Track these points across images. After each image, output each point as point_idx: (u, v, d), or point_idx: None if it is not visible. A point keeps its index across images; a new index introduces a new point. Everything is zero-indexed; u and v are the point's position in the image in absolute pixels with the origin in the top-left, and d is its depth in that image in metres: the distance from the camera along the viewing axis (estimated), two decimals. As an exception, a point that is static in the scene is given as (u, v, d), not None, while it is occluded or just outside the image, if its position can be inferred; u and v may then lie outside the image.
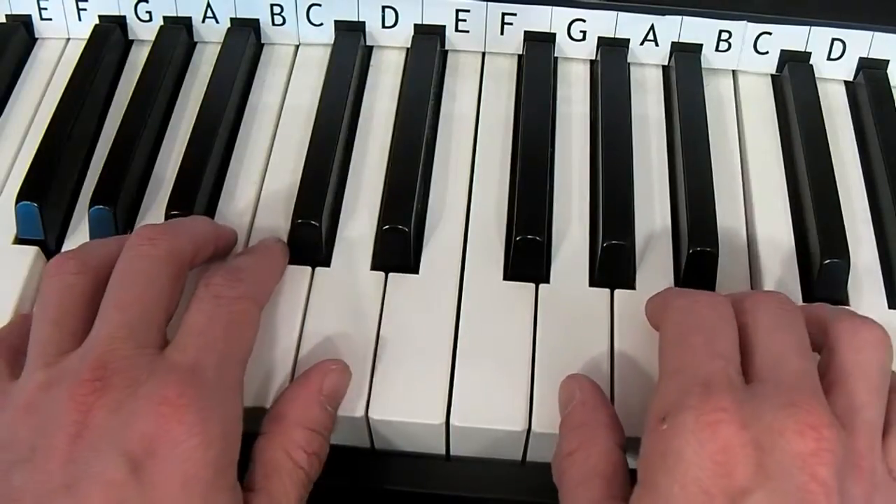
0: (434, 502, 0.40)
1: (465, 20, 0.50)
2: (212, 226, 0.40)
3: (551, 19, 0.49)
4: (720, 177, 0.45)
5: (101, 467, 0.29)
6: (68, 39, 0.51)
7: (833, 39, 0.49)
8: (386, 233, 0.41)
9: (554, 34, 0.50)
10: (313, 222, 0.41)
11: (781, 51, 0.49)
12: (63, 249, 0.43)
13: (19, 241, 0.43)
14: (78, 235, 0.43)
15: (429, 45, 0.49)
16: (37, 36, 0.52)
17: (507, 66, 0.50)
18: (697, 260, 0.41)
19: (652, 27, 0.49)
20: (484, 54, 0.51)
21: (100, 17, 0.51)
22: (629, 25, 0.49)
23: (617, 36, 0.49)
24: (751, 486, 0.28)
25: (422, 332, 0.39)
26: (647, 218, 0.44)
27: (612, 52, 0.49)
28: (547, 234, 0.42)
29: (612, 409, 0.36)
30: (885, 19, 0.48)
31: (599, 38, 0.49)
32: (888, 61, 0.49)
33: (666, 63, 0.50)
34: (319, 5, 0.50)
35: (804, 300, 0.41)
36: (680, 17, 0.49)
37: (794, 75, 0.49)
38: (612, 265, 0.41)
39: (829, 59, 0.49)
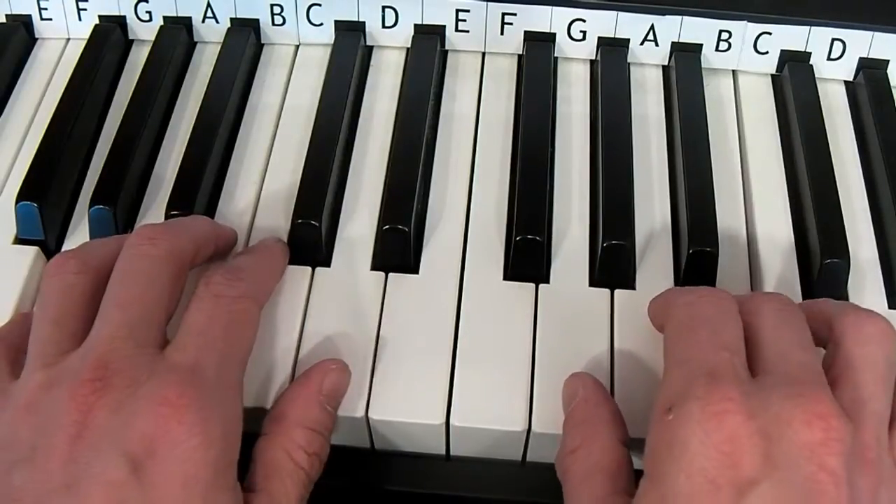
0: (434, 502, 0.40)
1: (465, 20, 0.50)
2: (212, 225, 0.40)
3: (551, 19, 0.49)
4: (720, 176, 0.45)
5: (102, 467, 0.29)
6: (68, 39, 0.51)
7: (833, 39, 0.49)
8: (386, 233, 0.41)
9: (554, 34, 0.50)
10: (313, 222, 0.41)
11: (781, 51, 0.49)
12: (63, 249, 0.43)
13: (19, 241, 0.43)
14: (78, 235, 0.43)
15: (429, 45, 0.49)
16: (37, 36, 0.52)
17: (507, 66, 0.50)
18: (697, 260, 0.41)
19: (652, 27, 0.49)
20: (484, 54, 0.51)
21: (100, 17, 0.51)
22: (629, 25, 0.49)
23: (617, 36, 0.49)
24: (758, 477, 0.28)
25: (422, 332, 0.39)
26: (647, 218, 0.44)
27: (612, 52, 0.49)
28: (547, 234, 0.42)
29: (615, 406, 0.36)
30: (885, 19, 0.48)
31: (599, 38, 0.49)
32: (888, 61, 0.49)
33: (666, 63, 0.50)
34: (319, 5, 0.50)
35: (804, 300, 0.41)
36: (680, 17, 0.49)
37: (794, 75, 0.49)
38: (612, 265, 0.41)
39: (829, 59, 0.49)
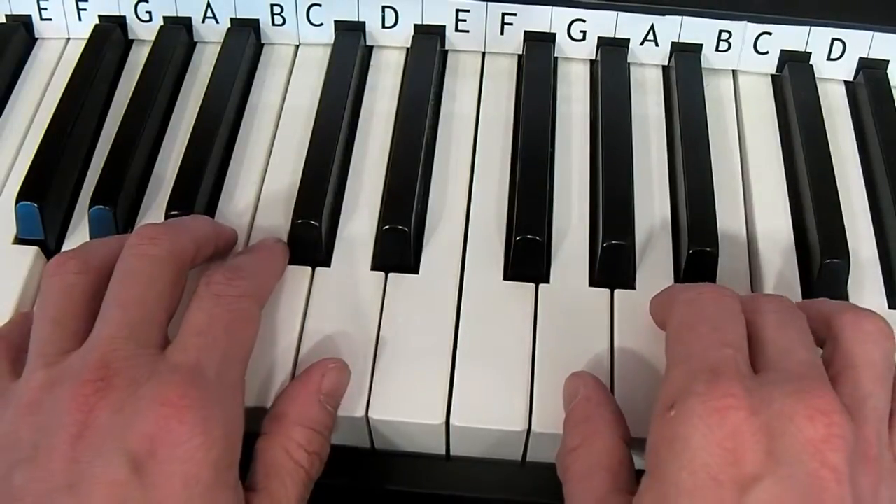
0: (434, 502, 0.40)
1: (465, 20, 0.50)
2: (212, 225, 0.40)
3: (551, 19, 0.49)
4: (720, 176, 0.45)
5: (103, 467, 0.29)
6: (68, 39, 0.51)
7: (833, 39, 0.49)
8: (386, 233, 0.41)
9: (554, 34, 0.50)
10: (313, 222, 0.41)
11: (781, 51, 0.49)
12: (63, 249, 0.43)
13: (19, 241, 0.43)
14: (78, 235, 0.43)
15: (429, 45, 0.49)
16: (37, 36, 0.52)
17: (507, 66, 0.50)
18: (697, 260, 0.41)
19: (652, 27, 0.49)
20: (484, 54, 0.51)
21: (100, 17, 0.51)
22: (629, 25, 0.49)
23: (617, 36, 0.49)
24: (761, 473, 0.28)
25: (422, 332, 0.39)
26: (647, 218, 0.44)
27: (612, 52, 0.49)
28: (547, 234, 0.42)
29: (616, 405, 0.36)
30: (885, 19, 0.48)
31: (599, 38, 0.49)
32: (888, 61, 0.49)
33: (666, 63, 0.50)
34: (319, 5, 0.50)
35: (804, 299, 0.41)
36: (680, 17, 0.49)
37: (794, 75, 0.49)
38: (612, 265, 0.41)
39: (829, 59, 0.49)
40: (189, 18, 0.51)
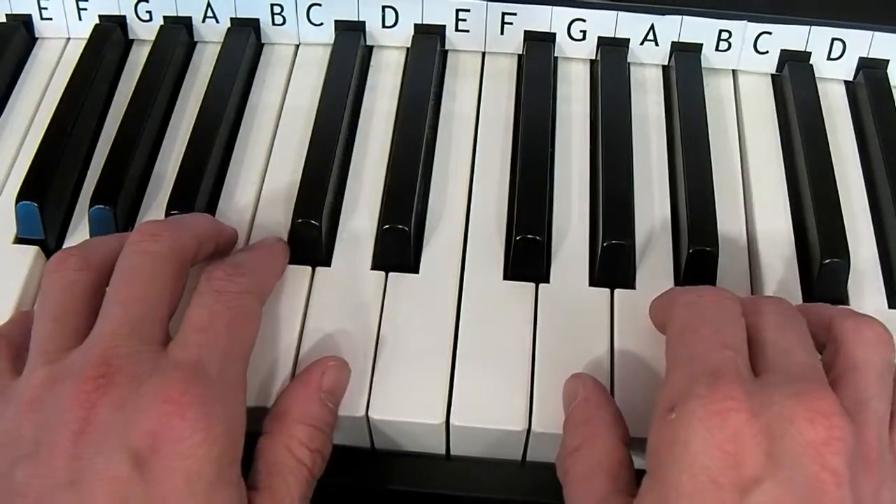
0: (434, 502, 0.40)
1: (465, 20, 0.50)
2: (213, 222, 0.40)
3: (551, 19, 0.49)
4: (720, 176, 0.45)
5: (105, 464, 0.30)
6: (68, 39, 0.51)
7: (833, 39, 0.49)
8: (386, 232, 0.41)
9: (554, 34, 0.50)
10: (313, 222, 0.41)
11: (781, 50, 0.49)
12: (63, 249, 0.43)
13: (19, 240, 0.43)
14: (78, 235, 0.43)
15: (429, 45, 0.49)
16: (37, 36, 0.52)
17: (507, 66, 0.50)
18: (697, 259, 0.41)
19: (652, 27, 0.49)
20: (484, 54, 0.51)
21: (100, 16, 0.51)
22: (629, 25, 0.49)
23: (617, 36, 0.49)
24: (761, 476, 0.28)
25: (422, 331, 0.39)
26: (647, 218, 0.44)
27: (612, 51, 0.49)
28: (547, 234, 0.42)
29: (615, 406, 0.36)
30: (885, 19, 0.48)
31: (599, 37, 0.49)
32: (888, 61, 0.49)
33: (666, 63, 0.50)
34: (319, 5, 0.50)
35: (804, 300, 0.41)
36: (680, 17, 0.49)
37: (794, 75, 0.49)
38: (612, 265, 0.41)
39: (829, 58, 0.49)
40: (189, 18, 0.51)
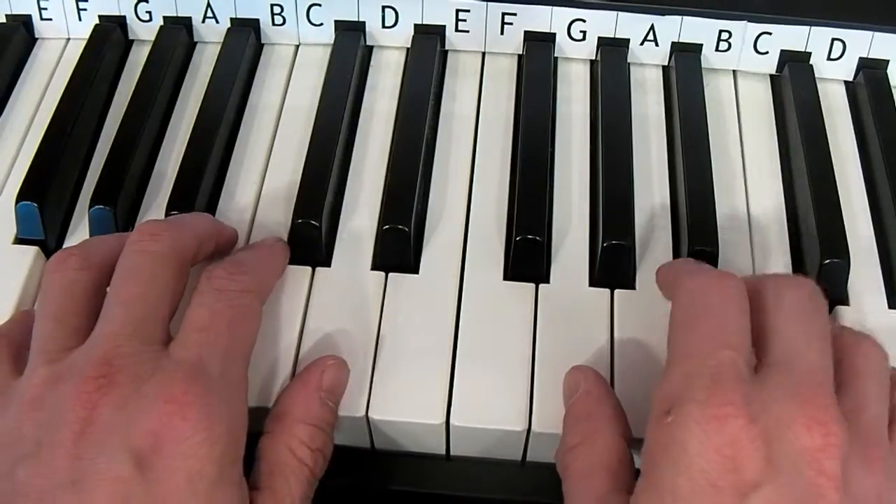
0: (434, 502, 0.40)
1: (465, 20, 0.50)
2: (213, 222, 0.40)
3: (551, 19, 0.49)
4: (720, 176, 0.45)
5: (107, 464, 0.30)
6: (68, 39, 0.51)
7: (833, 39, 0.49)
8: (386, 233, 0.41)
9: (554, 34, 0.50)
10: (313, 222, 0.41)
11: (781, 51, 0.49)
12: (63, 249, 0.43)
13: (19, 240, 0.43)
14: (78, 235, 0.43)
15: (429, 45, 0.49)
16: (37, 36, 0.52)
17: (507, 66, 0.50)
18: (697, 259, 0.41)
19: (652, 27, 0.49)
20: (484, 54, 0.51)
21: (100, 17, 0.51)
22: (629, 25, 0.49)
23: (617, 36, 0.49)
24: (759, 480, 0.28)
25: (422, 331, 0.39)
26: (647, 218, 0.44)
27: (612, 52, 0.49)
28: (547, 234, 0.42)
29: (617, 401, 0.36)
30: (885, 19, 0.48)
31: (599, 38, 0.49)
32: (888, 61, 0.49)
33: (666, 63, 0.50)
34: (319, 5, 0.50)
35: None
36: (680, 17, 0.49)
37: (794, 75, 0.49)
38: (612, 265, 0.41)
39: (829, 59, 0.49)
40: (189, 18, 0.51)
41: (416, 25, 0.50)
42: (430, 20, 0.50)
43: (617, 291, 0.41)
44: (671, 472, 0.29)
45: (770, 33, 0.49)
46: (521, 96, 0.48)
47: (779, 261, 0.42)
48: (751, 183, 0.45)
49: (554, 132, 0.47)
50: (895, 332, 0.40)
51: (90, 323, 0.34)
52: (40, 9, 0.51)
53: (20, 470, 0.30)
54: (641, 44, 0.50)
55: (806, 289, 0.34)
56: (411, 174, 0.43)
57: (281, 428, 0.35)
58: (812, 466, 0.29)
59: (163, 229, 0.36)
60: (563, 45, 0.50)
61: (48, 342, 0.34)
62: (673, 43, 0.49)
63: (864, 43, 0.48)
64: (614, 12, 0.49)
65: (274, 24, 0.50)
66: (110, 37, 0.50)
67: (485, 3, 0.49)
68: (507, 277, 0.41)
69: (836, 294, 0.41)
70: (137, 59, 0.50)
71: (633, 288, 0.41)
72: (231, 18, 0.51)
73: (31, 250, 0.42)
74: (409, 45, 0.50)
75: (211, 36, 0.51)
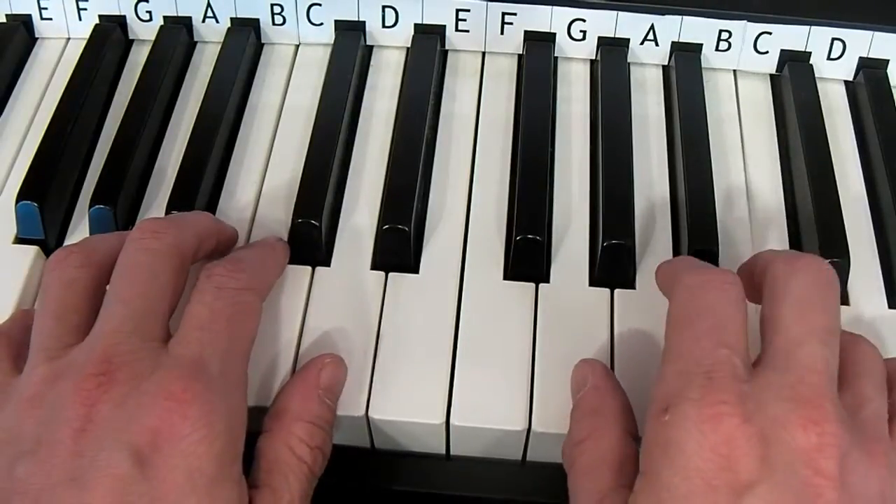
0: (434, 502, 0.40)
1: (465, 20, 0.50)
2: (213, 221, 0.40)
3: (551, 19, 0.49)
4: (720, 176, 0.45)
5: (107, 461, 0.30)
6: (68, 39, 0.51)
7: (833, 39, 0.49)
8: (386, 232, 0.41)
9: (554, 34, 0.50)
10: (313, 222, 0.41)
11: (781, 50, 0.49)
12: (63, 248, 0.43)
13: (19, 240, 0.43)
14: (78, 235, 0.43)
15: (429, 45, 0.49)
16: (37, 36, 0.52)
17: (507, 66, 0.50)
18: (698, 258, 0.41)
19: (652, 27, 0.49)
20: (484, 54, 0.51)
21: (100, 16, 0.51)
22: (629, 25, 0.49)
23: (617, 36, 0.49)
24: (755, 480, 0.28)
25: (422, 332, 0.39)
26: (647, 217, 0.44)
27: (612, 51, 0.49)
28: (547, 234, 0.42)
29: (624, 395, 0.36)
30: (885, 19, 0.48)
31: (599, 37, 0.50)
32: (888, 61, 0.49)
33: (666, 63, 0.50)
34: (319, 5, 0.50)
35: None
36: (680, 17, 0.49)
37: (794, 75, 0.49)
38: (612, 265, 0.41)
39: (829, 58, 0.49)
40: (189, 18, 0.51)
41: (416, 25, 0.50)
42: (430, 20, 0.50)
43: (617, 291, 0.41)
44: (668, 471, 0.29)
45: (770, 33, 0.49)
46: (521, 96, 0.48)
47: (779, 261, 0.42)
48: (751, 182, 0.45)
49: (554, 132, 0.47)
50: (895, 332, 0.40)
51: (90, 320, 0.34)
52: (40, 8, 0.51)
53: (19, 467, 0.30)
54: (641, 43, 0.50)
55: (817, 274, 0.33)
56: (411, 174, 0.43)
57: (279, 426, 0.35)
58: (808, 466, 0.29)
59: (163, 227, 0.36)
60: (563, 45, 0.50)
61: (48, 339, 0.34)
62: (673, 43, 0.49)
63: (864, 43, 0.48)
64: (614, 12, 0.49)
65: (274, 23, 0.50)
66: (110, 37, 0.50)
67: (485, 2, 0.49)
68: (507, 277, 0.41)
69: (836, 294, 0.41)
70: (137, 59, 0.50)
71: (633, 288, 0.41)
72: (231, 18, 0.51)
73: (32, 250, 0.42)
74: (409, 45, 0.50)
75: (211, 36, 0.51)
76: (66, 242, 0.43)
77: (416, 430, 0.38)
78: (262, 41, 0.51)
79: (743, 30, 0.49)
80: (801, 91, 0.48)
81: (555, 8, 0.49)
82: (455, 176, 0.45)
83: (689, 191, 0.43)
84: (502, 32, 0.50)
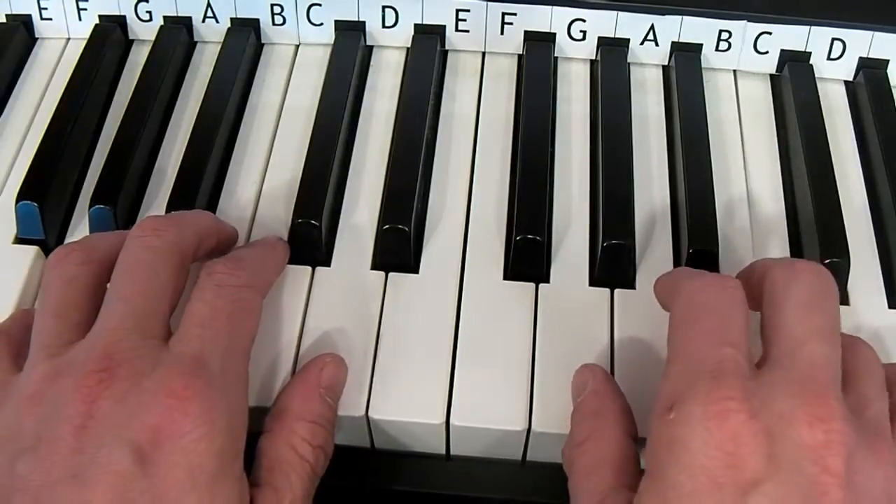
0: (434, 502, 0.40)
1: (465, 20, 0.50)
2: (214, 219, 0.40)
3: (551, 19, 0.49)
4: (720, 176, 0.45)
5: (107, 458, 0.30)
6: (68, 39, 0.51)
7: (833, 39, 0.49)
8: (386, 232, 0.41)
9: (554, 34, 0.50)
10: (313, 222, 0.41)
11: (781, 51, 0.49)
12: (63, 247, 0.43)
13: (19, 240, 0.43)
14: (78, 235, 0.43)
15: (429, 45, 0.49)
16: (37, 36, 0.52)
17: (507, 66, 0.50)
18: (698, 259, 0.41)
19: (652, 27, 0.49)
20: (484, 54, 0.51)
21: (100, 16, 0.51)
22: (629, 25, 0.49)
23: (617, 36, 0.49)
24: (761, 477, 0.28)
25: (422, 332, 0.39)
26: (647, 217, 0.44)
27: (612, 51, 0.49)
28: (547, 234, 0.42)
29: (624, 399, 0.36)
30: (885, 19, 0.48)
31: (599, 37, 0.50)
32: (888, 61, 0.49)
33: (666, 63, 0.50)
34: (319, 5, 0.50)
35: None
36: (680, 17, 0.49)
37: (794, 75, 0.49)
38: (612, 265, 0.41)
39: (829, 58, 0.49)
40: (189, 18, 0.51)
41: (416, 25, 0.50)
42: (430, 20, 0.50)
43: (617, 291, 0.41)
44: (674, 469, 0.29)
45: (770, 33, 0.49)
46: (521, 96, 0.48)
47: (779, 261, 0.42)
48: (751, 183, 0.45)
49: (554, 132, 0.47)
50: (895, 332, 0.40)
51: (91, 318, 0.34)
52: (40, 9, 0.51)
53: (20, 464, 0.30)
54: (641, 44, 0.50)
55: (816, 279, 0.34)
56: (411, 174, 0.43)
57: (281, 425, 0.35)
58: (815, 463, 0.28)
59: (164, 224, 0.36)
60: (563, 45, 0.50)
61: (48, 337, 0.34)
62: (673, 43, 0.49)
63: (864, 43, 0.48)
64: (614, 12, 0.49)
65: (274, 23, 0.50)
66: (110, 37, 0.50)
67: (485, 2, 0.49)
68: (507, 277, 0.41)
69: (837, 294, 0.41)
70: (137, 59, 0.50)
71: (633, 288, 0.41)
72: (231, 18, 0.51)
73: (32, 250, 0.42)
74: (409, 45, 0.50)
75: (211, 36, 0.51)
76: (66, 242, 0.43)
77: (416, 430, 0.38)
78: (262, 41, 0.51)
79: (743, 30, 0.49)
80: (801, 91, 0.48)
81: (555, 8, 0.49)
82: (455, 176, 0.45)
83: (689, 191, 0.43)
84: (502, 32, 0.50)
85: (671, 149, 0.46)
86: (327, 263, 0.42)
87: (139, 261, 0.35)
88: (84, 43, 0.50)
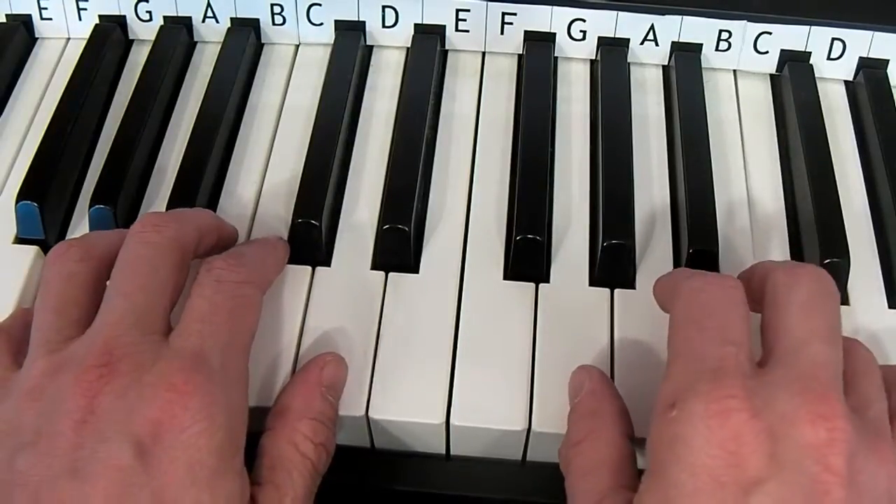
0: (434, 502, 0.40)
1: (465, 20, 0.50)
2: (214, 217, 0.40)
3: (551, 19, 0.49)
4: (720, 176, 0.45)
5: (107, 453, 0.30)
6: (68, 39, 0.51)
7: (833, 39, 0.49)
8: (386, 232, 0.41)
9: (554, 34, 0.50)
10: (313, 222, 0.41)
11: (781, 50, 0.49)
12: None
13: (19, 240, 0.43)
14: (78, 235, 0.43)
15: (429, 45, 0.49)
16: (37, 36, 0.52)
17: (507, 66, 0.50)
18: (698, 259, 0.41)
19: (652, 27, 0.49)
20: (484, 54, 0.51)
21: (100, 16, 0.51)
22: (629, 25, 0.49)
23: (617, 36, 0.49)
24: (763, 476, 0.28)
25: (422, 331, 0.39)
26: (647, 217, 0.44)
27: (612, 51, 0.49)
28: (547, 234, 0.42)
29: (621, 400, 0.36)
30: (885, 19, 0.48)
31: (599, 37, 0.50)
32: (888, 61, 0.49)
33: (666, 63, 0.50)
34: (319, 5, 0.50)
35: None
36: (680, 17, 0.49)
37: (794, 75, 0.49)
38: (612, 265, 0.41)
39: (829, 58, 0.49)
40: (189, 18, 0.51)
41: (416, 25, 0.50)
42: (430, 20, 0.50)
43: (617, 291, 0.41)
44: (675, 467, 0.29)
45: (770, 33, 0.49)
46: (521, 96, 0.48)
47: (779, 260, 0.42)
48: (751, 183, 0.45)
49: (554, 132, 0.47)
50: (895, 332, 0.40)
51: (90, 314, 0.34)
52: (40, 8, 0.51)
53: (20, 459, 0.30)
54: (641, 43, 0.50)
55: (817, 282, 0.34)
56: (411, 174, 0.43)
57: (282, 424, 0.35)
58: (817, 462, 0.28)
59: (164, 221, 0.36)
60: (563, 45, 0.50)
61: (48, 333, 0.34)
62: (673, 43, 0.49)
63: (864, 43, 0.48)
64: (614, 12, 0.49)
65: (274, 23, 0.50)
66: (110, 37, 0.50)
67: (485, 2, 0.49)
68: (507, 277, 0.41)
69: (837, 294, 0.41)
70: (137, 59, 0.50)
71: (633, 287, 0.41)
72: (231, 18, 0.51)
73: (32, 250, 0.42)
74: (409, 45, 0.50)
75: (211, 36, 0.51)
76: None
77: (417, 430, 0.38)
78: (262, 41, 0.51)
79: (743, 30, 0.49)
80: (801, 91, 0.48)
81: (555, 8, 0.49)
82: (455, 176, 0.45)
83: (689, 191, 0.43)
84: (502, 32, 0.50)
85: (671, 149, 0.46)
86: (327, 263, 0.42)
87: (139, 256, 0.35)
88: (84, 43, 0.50)
